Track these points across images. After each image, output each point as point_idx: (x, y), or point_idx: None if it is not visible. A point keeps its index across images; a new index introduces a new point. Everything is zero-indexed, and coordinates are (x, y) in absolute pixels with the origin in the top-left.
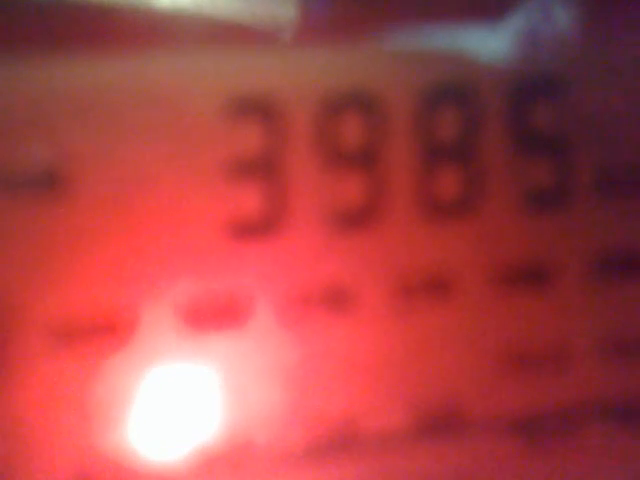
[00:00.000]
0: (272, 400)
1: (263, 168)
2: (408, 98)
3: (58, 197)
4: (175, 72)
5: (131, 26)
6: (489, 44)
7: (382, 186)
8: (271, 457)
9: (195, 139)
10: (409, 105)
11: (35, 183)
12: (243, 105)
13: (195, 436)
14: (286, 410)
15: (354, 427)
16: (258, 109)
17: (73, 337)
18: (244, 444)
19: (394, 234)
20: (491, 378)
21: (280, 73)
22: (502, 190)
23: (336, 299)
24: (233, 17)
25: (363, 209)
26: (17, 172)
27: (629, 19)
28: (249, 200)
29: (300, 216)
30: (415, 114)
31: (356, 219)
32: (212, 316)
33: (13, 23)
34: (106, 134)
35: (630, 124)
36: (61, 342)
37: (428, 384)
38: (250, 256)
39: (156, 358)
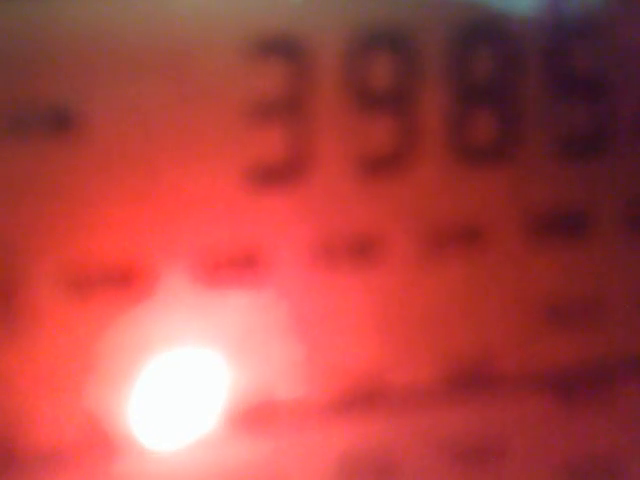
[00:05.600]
0: (295, 355)
1: (287, 111)
2: (442, 36)
3: (70, 139)
4: (194, 9)
5: None
6: None
7: (413, 130)
8: (294, 413)
9: (215, 79)
10: (443, 44)
11: (46, 124)
12: (266, 43)
13: (214, 394)
14: (310, 364)
15: (380, 382)
16: (282, 48)
17: (86, 287)
18: (267, 401)
19: (425, 180)
20: (525, 332)
21: (306, 9)
22: (538, 135)
23: (364, 249)
24: None
25: (393, 154)
26: (28, 112)
27: None
28: (272, 145)
29: (326, 162)
30: (449, 54)
31: (386, 165)
32: (232, 268)
33: None
34: (121, 74)
35: None
36: (73, 292)
37: (459, 338)
38: (273, 205)
39: (172, 312)
